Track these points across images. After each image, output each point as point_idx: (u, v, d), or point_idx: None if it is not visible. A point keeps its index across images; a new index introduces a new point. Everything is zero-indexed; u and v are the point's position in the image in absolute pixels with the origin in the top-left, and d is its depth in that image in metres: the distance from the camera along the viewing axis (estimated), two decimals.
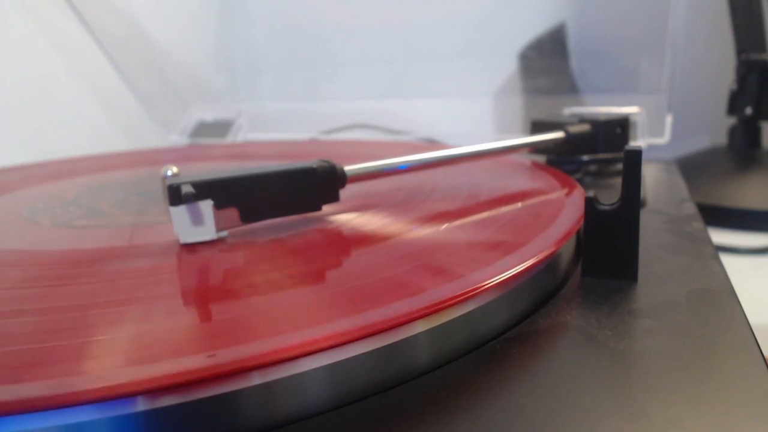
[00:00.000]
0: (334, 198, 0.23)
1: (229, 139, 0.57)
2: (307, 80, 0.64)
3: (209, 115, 0.61)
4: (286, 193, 0.22)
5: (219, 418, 0.13)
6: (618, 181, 0.34)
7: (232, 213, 0.21)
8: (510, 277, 0.16)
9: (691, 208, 0.29)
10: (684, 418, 0.13)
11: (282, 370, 0.13)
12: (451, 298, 0.15)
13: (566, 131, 0.33)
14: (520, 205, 0.24)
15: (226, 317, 0.15)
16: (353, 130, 0.58)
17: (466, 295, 0.15)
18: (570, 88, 0.54)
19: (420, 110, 0.58)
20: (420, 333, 0.15)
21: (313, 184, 0.22)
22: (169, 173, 0.25)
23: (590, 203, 0.19)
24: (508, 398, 0.14)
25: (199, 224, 0.20)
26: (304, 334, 0.13)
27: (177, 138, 0.60)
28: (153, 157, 0.45)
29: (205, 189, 0.20)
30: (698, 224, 0.26)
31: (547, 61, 0.55)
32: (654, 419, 0.13)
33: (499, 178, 0.30)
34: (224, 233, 0.21)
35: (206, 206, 0.20)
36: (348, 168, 0.24)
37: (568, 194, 0.26)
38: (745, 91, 0.46)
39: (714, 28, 0.55)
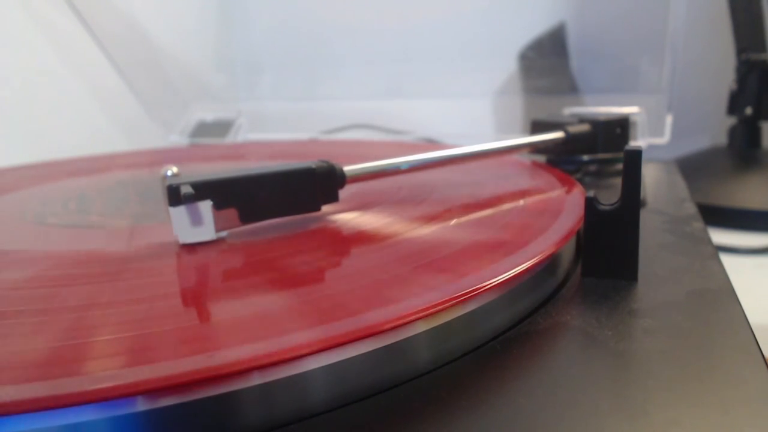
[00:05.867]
0: (333, 198, 0.23)
1: (229, 139, 0.57)
2: (307, 80, 0.64)
3: (209, 115, 0.61)
4: (286, 194, 0.22)
5: (219, 418, 0.13)
6: (618, 181, 0.34)
7: (232, 213, 0.21)
8: (510, 277, 0.16)
9: (691, 208, 0.29)
10: (684, 418, 0.13)
11: (282, 370, 0.13)
12: (452, 299, 0.15)
13: (566, 131, 0.33)
14: (521, 203, 0.24)
15: (225, 318, 0.14)
16: (353, 130, 0.58)
17: (467, 296, 0.15)
18: (570, 88, 0.54)
19: (420, 110, 0.58)
20: (420, 333, 0.15)
21: (312, 185, 0.22)
22: (169, 173, 0.25)
23: (590, 203, 0.19)
24: (508, 398, 0.14)
25: (198, 224, 0.20)
26: (304, 335, 0.13)
27: (177, 138, 0.60)
28: (153, 157, 0.45)
29: (204, 189, 0.20)
30: (698, 224, 0.26)
31: (547, 61, 0.55)
32: (654, 419, 0.13)
33: (499, 178, 0.30)
34: (223, 234, 0.21)
35: (205, 207, 0.20)
36: (347, 168, 0.24)
37: (568, 194, 0.26)
38: (745, 91, 0.46)
39: (714, 28, 0.55)
